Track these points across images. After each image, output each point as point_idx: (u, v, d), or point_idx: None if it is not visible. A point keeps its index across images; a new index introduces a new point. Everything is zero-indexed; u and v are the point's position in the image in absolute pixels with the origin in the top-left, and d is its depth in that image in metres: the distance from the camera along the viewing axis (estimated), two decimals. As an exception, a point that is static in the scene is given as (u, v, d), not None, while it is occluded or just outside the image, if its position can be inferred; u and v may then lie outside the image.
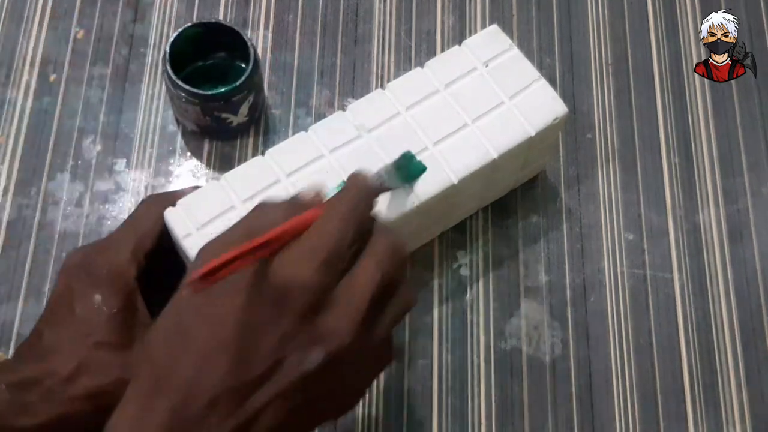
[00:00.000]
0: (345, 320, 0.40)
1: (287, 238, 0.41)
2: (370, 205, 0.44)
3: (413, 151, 0.55)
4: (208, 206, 0.54)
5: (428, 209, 0.56)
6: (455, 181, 0.55)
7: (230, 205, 0.54)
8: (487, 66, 0.59)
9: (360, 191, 0.44)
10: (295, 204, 0.44)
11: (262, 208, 0.44)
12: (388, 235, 0.43)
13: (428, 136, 0.56)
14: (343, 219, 0.42)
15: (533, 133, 0.57)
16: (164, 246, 0.55)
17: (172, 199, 0.55)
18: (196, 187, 0.55)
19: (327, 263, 0.40)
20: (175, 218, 0.54)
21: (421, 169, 0.55)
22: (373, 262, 0.42)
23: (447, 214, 0.61)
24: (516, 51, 0.59)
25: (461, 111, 0.57)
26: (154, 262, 0.56)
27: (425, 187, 0.55)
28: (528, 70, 0.59)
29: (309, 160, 0.55)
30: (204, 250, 0.43)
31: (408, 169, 0.54)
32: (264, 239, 0.40)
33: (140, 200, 0.59)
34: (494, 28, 0.60)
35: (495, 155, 0.56)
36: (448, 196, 0.56)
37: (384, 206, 0.54)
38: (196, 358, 0.40)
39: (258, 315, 0.40)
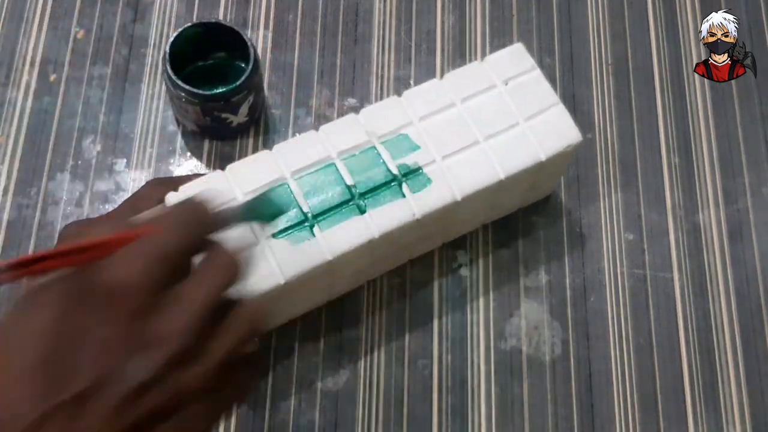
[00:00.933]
0: (174, 324, 0.37)
1: (113, 248, 0.38)
2: (208, 220, 0.41)
3: (420, 163, 0.55)
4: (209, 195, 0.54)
5: (429, 223, 0.55)
6: (459, 197, 0.55)
7: (232, 196, 0.54)
8: (506, 84, 0.58)
9: (195, 207, 0.41)
10: (128, 221, 0.42)
11: (83, 224, 0.42)
12: (224, 253, 0.40)
13: (437, 149, 0.56)
14: (175, 226, 0.39)
15: (544, 158, 0.56)
16: None
17: (175, 183, 0.55)
18: (202, 176, 0.56)
19: (153, 266, 0.37)
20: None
21: (276, 213, 0.49)
22: (202, 274, 0.39)
23: (448, 228, 0.60)
24: (538, 72, 0.58)
25: (474, 127, 0.56)
26: None
27: (428, 201, 0.54)
28: (547, 93, 0.58)
29: (315, 159, 0.55)
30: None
31: (258, 212, 0.48)
32: (86, 244, 0.37)
33: (144, 182, 0.59)
34: (519, 47, 0.60)
35: (502, 176, 0.55)
36: (450, 211, 0.55)
37: (383, 215, 0.54)
38: (9, 381, 0.35)
39: (77, 323, 0.36)
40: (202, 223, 0.41)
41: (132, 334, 0.36)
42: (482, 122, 0.57)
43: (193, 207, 0.41)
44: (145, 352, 0.36)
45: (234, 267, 0.40)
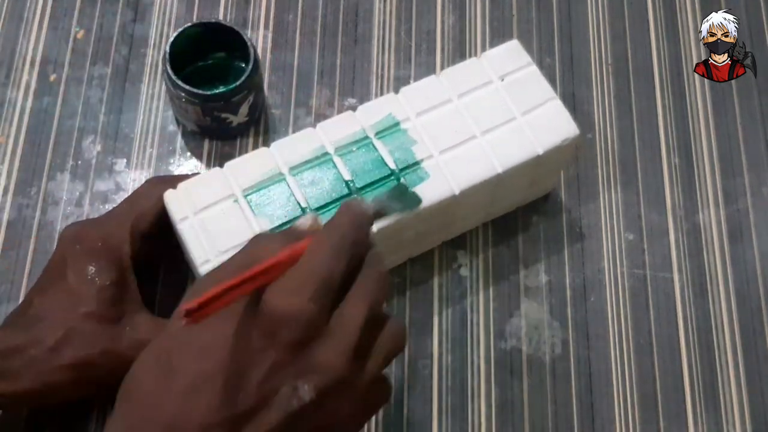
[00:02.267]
0: (336, 352, 0.39)
1: (282, 268, 0.40)
2: (364, 234, 0.43)
3: (418, 158, 0.55)
4: (207, 192, 0.54)
5: (428, 218, 0.55)
6: (456, 192, 0.55)
7: (230, 192, 0.54)
8: (503, 80, 0.58)
9: (353, 220, 0.43)
10: (290, 234, 0.43)
11: (257, 239, 0.43)
12: (378, 267, 0.42)
13: (435, 144, 0.56)
14: (335, 248, 0.41)
15: (541, 152, 0.56)
16: (162, 229, 0.55)
17: (174, 181, 0.55)
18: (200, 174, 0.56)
19: (318, 293, 0.39)
20: (173, 200, 0.54)
21: (416, 201, 0.54)
22: (364, 293, 0.41)
23: (448, 225, 0.61)
24: (534, 68, 0.59)
25: (471, 122, 0.57)
26: (150, 247, 0.56)
27: (426, 196, 0.54)
28: (544, 88, 0.58)
29: (313, 156, 0.55)
30: (200, 281, 0.42)
31: (401, 200, 0.53)
32: (257, 270, 0.39)
33: (144, 181, 0.59)
34: (514, 43, 0.60)
35: (500, 170, 0.56)
36: (449, 206, 0.56)
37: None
38: (182, 391, 0.38)
39: (248, 346, 0.39)
40: (358, 243, 0.42)
41: (298, 359, 0.39)
42: (479, 117, 0.57)
43: (355, 222, 0.42)
44: (309, 377, 0.39)
45: (385, 283, 0.42)
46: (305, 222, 0.44)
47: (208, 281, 0.40)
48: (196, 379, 0.38)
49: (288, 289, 0.39)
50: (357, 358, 0.40)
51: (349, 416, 0.41)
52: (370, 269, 0.42)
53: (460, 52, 0.70)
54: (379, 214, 0.47)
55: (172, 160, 0.66)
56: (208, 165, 0.65)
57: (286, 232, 0.43)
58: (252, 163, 0.55)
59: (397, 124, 0.57)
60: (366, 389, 0.41)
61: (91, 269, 0.52)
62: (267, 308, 0.39)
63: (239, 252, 0.43)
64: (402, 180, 0.54)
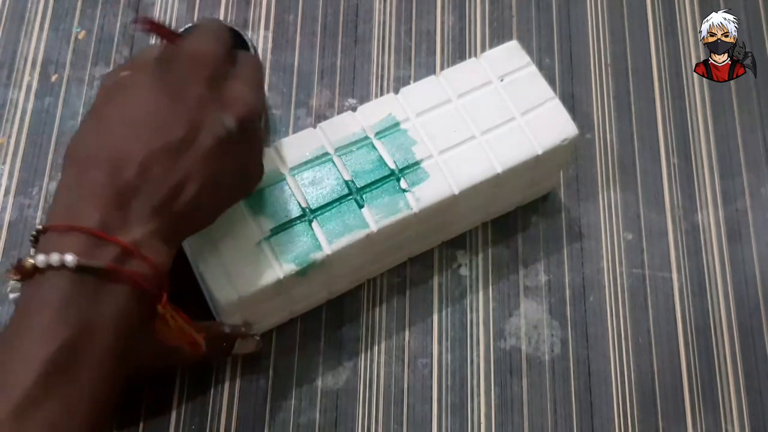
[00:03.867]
0: (247, 88, 0.46)
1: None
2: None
3: (417, 158, 0.55)
4: None
5: (428, 218, 0.56)
6: (456, 192, 0.55)
7: None
8: (502, 80, 0.59)
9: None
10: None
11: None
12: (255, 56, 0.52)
13: (435, 145, 0.56)
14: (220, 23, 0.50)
15: (540, 152, 0.57)
16: None
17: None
18: None
19: (221, 39, 0.47)
20: None
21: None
22: (251, 58, 0.49)
23: (448, 225, 0.61)
24: (533, 68, 0.59)
25: (471, 123, 0.57)
26: None
27: (425, 196, 0.55)
28: (543, 88, 0.59)
29: (313, 156, 0.56)
30: (105, 75, 0.48)
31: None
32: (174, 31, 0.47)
33: None
34: (514, 44, 0.60)
35: (499, 170, 0.56)
36: (449, 206, 0.56)
37: (381, 210, 0.54)
38: (122, 130, 0.43)
39: (174, 81, 0.44)
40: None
41: (212, 96, 0.45)
42: (479, 118, 0.57)
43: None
44: (229, 108, 0.45)
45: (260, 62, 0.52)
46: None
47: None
48: (133, 117, 0.43)
49: (197, 38, 0.46)
50: (257, 98, 0.47)
51: (255, 147, 0.49)
52: (245, 55, 0.49)
53: (459, 52, 0.71)
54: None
55: (172, 160, 0.66)
56: (209, 165, 0.65)
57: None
58: None
59: (397, 124, 0.57)
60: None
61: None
62: (184, 50, 0.45)
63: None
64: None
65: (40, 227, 0.42)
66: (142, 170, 0.42)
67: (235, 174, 0.47)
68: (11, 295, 0.58)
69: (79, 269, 0.40)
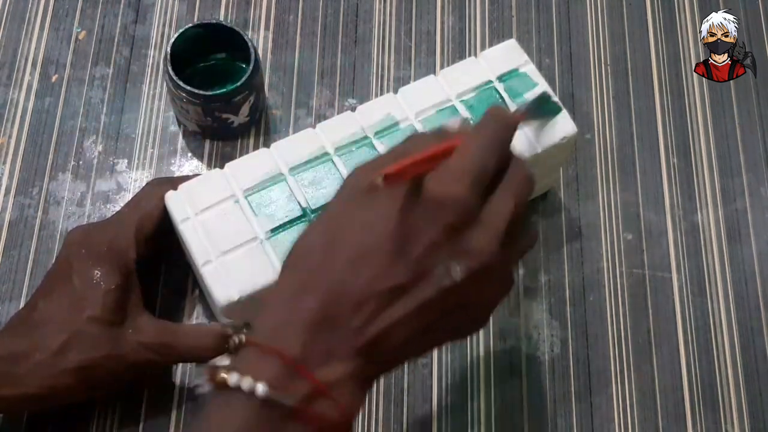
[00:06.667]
0: (487, 239, 0.42)
1: (439, 160, 0.43)
2: (510, 135, 0.46)
3: None
4: (208, 193, 0.55)
5: None
6: None
7: (230, 193, 0.55)
8: (501, 79, 0.59)
9: (500, 122, 0.46)
10: (442, 133, 0.46)
11: (412, 138, 0.46)
12: (524, 167, 0.45)
13: None
14: (488, 143, 0.44)
15: (539, 150, 0.57)
16: (164, 230, 0.56)
17: (175, 182, 0.56)
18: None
19: (475, 183, 0.42)
20: (174, 201, 0.55)
21: (556, 109, 0.56)
22: (512, 190, 0.44)
23: None
24: (531, 67, 0.59)
25: (470, 122, 0.57)
26: (152, 248, 0.57)
27: None
28: (542, 87, 0.59)
29: (313, 156, 0.56)
30: (359, 168, 0.44)
31: (543, 109, 0.55)
32: (424, 156, 0.42)
33: (145, 183, 0.60)
34: (512, 43, 0.60)
35: None
36: None
37: None
38: (347, 259, 0.41)
39: (411, 222, 0.41)
40: (505, 142, 0.45)
41: (448, 244, 0.41)
42: (478, 116, 0.57)
43: (502, 123, 0.46)
44: (462, 259, 0.41)
45: (531, 183, 0.45)
46: (454, 123, 0.47)
47: (367, 168, 0.43)
48: (361, 249, 0.41)
49: (448, 177, 0.42)
50: (502, 248, 0.43)
51: (487, 298, 0.45)
52: (517, 168, 0.45)
53: (459, 52, 0.71)
54: (522, 119, 0.50)
55: (173, 161, 0.66)
56: (209, 165, 0.66)
57: (437, 131, 0.46)
58: (252, 164, 0.56)
59: (396, 124, 0.57)
60: (504, 275, 0.45)
61: (97, 273, 0.53)
62: (429, 192, 0.42)
63: (398, 145, 0.45)
64: (545, 91, 0.57)
65: (244, 338, 0.41)
66: (356, 309, 0.40)
67: (455, 322, 0.44)
68: (199, 389, 0.58)
69: (268, 401, 0.38)
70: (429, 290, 0.41)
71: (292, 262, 0.43)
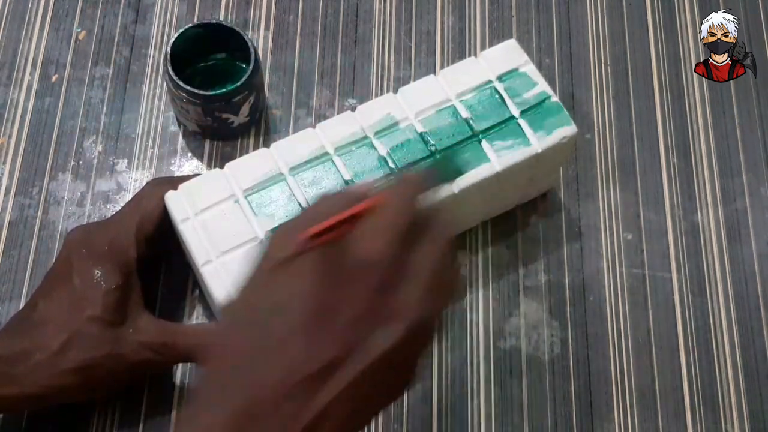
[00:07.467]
0: (415, 295, 0.40)
1: (356, 221, 0.41)
2: (423, 194, 0.44)
3: (417, 157, 0.55)
4: (208, 193, 0.55)
5: None
6: (456, 190, 0.55)
7: (230, 193, 0.55)
8: (501, 79, 0.59)
9: (414, 180, 0.44)
10: (352, 194, 0.44)
11: (324, 198, 0.44)
12: (443, 222, 0.43)
13: (435, 144, 0.56)
14: (406, 204, 0.42)
15: (540, 150, 0.57)
16: (164, 230, 0.56)
17: (175, 182, 0.56)
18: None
19: (397, 239, 0.40)
20: (174, 201, 0.55)
21: (459, 172, 0.53)
22: (434, 244, 0.42)
23: None
24: (531, 67, 0.59)
25: (470, 121, 0.57)
26: (152, 248, 0.57)
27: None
28: (541, 86, 0.59)
29: (313, 156, 0.56)
30: (277, 235, 0.42)
31: (446, 171, 0.54)
32: (340, 218, 0.40)
33: (145, 183, 0.60)
34: (512, 43, 0.61)
35: (498, 168, 0.56)
36: (448, 205, 0.56)
37: None
38: (269, 346, 0.38)
39: (333, 293, 0.39)
40: (422, 198, 0.43)
41: (374, 308, 0.39)
42: (477, 116, 0.57)
43: (416, 182, 0.44)
44: (386, 325, 0.39)
45: (450, 235, 0.43)
46: (361, 186, 0.45)
47: (284, 233, 0.41)
48: (282, 335, 0.38)
49: (369, 237, 0.40)
50: (431, 297, 0.41)
51: (415, 353, 0.42)
52: (436, 218, 0.43)
53: (459, 52, 0.71)
54: (431, 185, 0.48)
55: (173, 161, 0.66)
56: (209, 165, 0.66)
57: (347, 193, 0.44)
58: (252, 164, 0.56)
59: (396, 124, 0.57)
60: (431, 327, 0.42)
61: (98, 273, 0.53)
62: (350, 255, 0.40)
63: (308, 209, 0.43)
64: (448, 152, 0.55)
65: None
66: (286, 398, 0.37)
67: (387, 391, 0.42)
68: None
69: None
70: (360, 362, 0.38)
71: (217, 350, 0.40)
